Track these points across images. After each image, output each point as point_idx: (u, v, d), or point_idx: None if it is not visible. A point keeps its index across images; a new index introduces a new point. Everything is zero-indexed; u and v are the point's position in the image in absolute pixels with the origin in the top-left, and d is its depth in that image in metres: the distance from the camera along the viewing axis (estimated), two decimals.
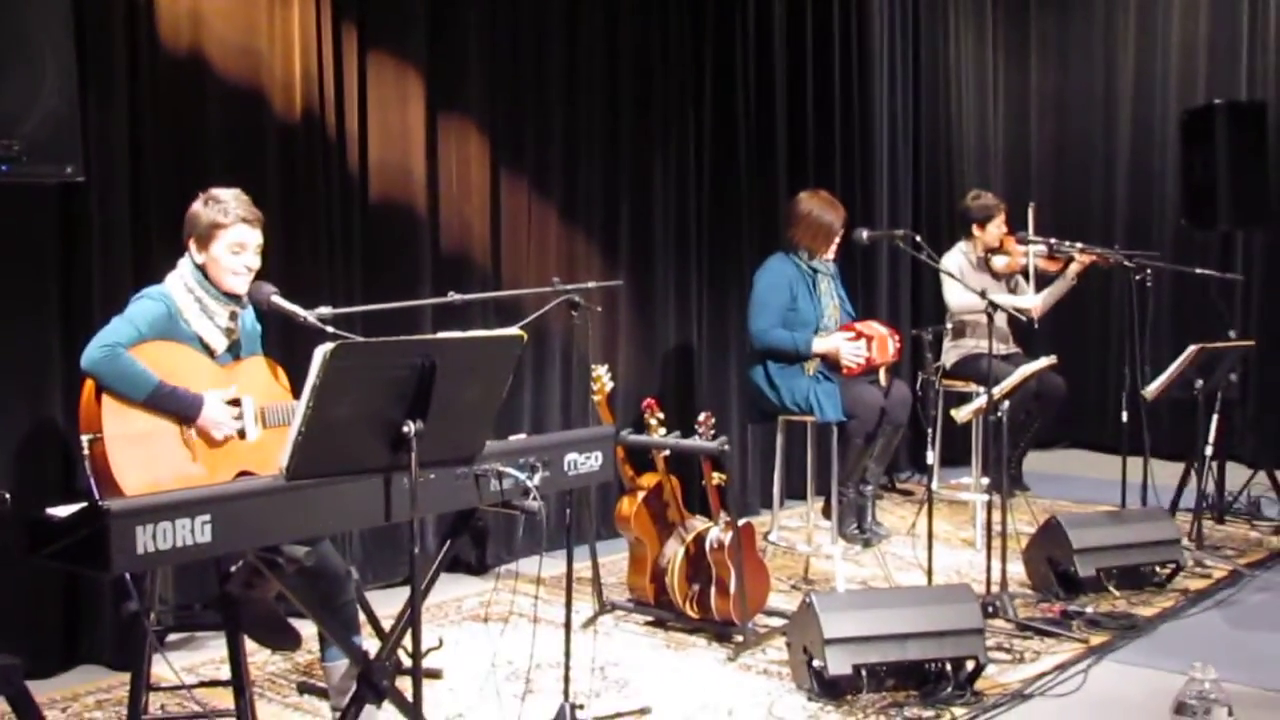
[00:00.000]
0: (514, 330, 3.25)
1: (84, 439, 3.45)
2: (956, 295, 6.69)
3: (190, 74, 4.91)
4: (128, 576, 3.32)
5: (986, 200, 6.99)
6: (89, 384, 3.46)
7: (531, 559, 5.33)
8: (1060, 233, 7.15)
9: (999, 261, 6.93)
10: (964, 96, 9.20)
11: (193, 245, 3.69)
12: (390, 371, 2.84)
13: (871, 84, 8.19)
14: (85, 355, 3.45)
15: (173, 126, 4.87)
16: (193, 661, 4.60)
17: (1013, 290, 7.06)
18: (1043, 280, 6.98)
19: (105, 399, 3.43)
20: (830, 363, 5.77)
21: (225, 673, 3.58)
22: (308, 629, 3.76)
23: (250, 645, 3.61)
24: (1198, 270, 6.92)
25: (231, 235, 3.66)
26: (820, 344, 5.75)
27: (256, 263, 3.73)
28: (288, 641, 3.57)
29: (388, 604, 4.57)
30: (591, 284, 4.87)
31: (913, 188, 8.64)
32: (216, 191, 3.73)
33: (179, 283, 3.68)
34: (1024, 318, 6.03)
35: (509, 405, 5.92)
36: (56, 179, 2.37)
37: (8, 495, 2.23)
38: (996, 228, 6.90)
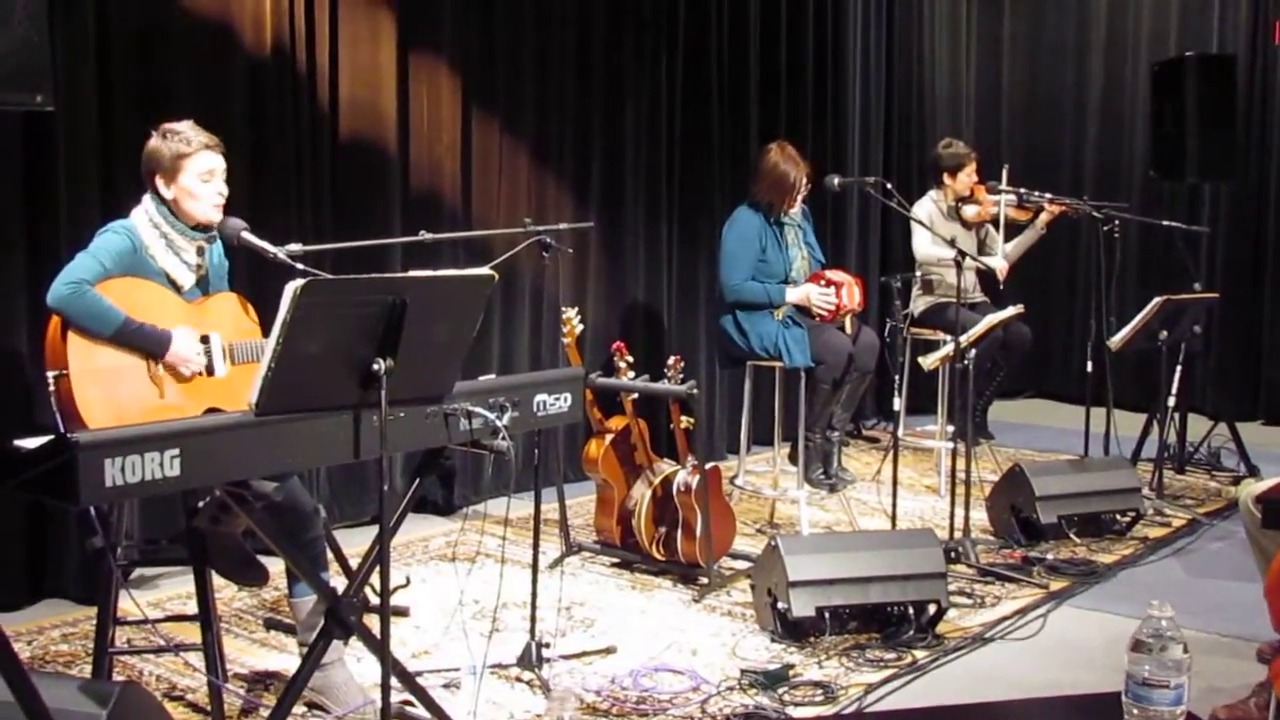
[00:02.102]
0: (485, 270, 3.24)
1: (50, 375, 3.42)
2: (924, 245, 6.71)
3: (160, 5, 4.85)
4: (93, 511, 3.32)
5: (958, 149, 7.00)
6: (55, 320, 3.43)
7: (499, 500, 5.36)
8: (1029, 181, 7.18)
9: (969, 210, 6.95)
10: (936, 44, 9.18)
11: (159, 181, 3.65)
12: (361, 309, 2.82)
13: (845, 30, 8.17)
14: (51, 292, 3.42)
15: (141, 58, 4.82)
16: (159, 596, 4.61)
17: (982, 239, 7.09)
18: (1012, 229, 7.01)
19: (71, 335, 3.40)
20: (804, 310, 5.78)
21: (192, 607, 3.58)
22: (275, 565, 3.76)
23: (218, 581, 3.61)
24: (1164, 222, 6.97)
25: (199, 163, 3.63)
26: (793, 293, 5.77)
27: (226, 190, 3.70)
28: (255, 577, 3.57)
29: (355, 542, 4.59)
30: (563, 225, 4.86)
31: (884, 135, 8.64)
32: (170, 125, 3.69)
33: (144, 218, 3.64)
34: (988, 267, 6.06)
35: (478, 346, 5.90)
36: (26, 107, 2.34)
37: None
38: (967, 176, 6.92)
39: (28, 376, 4.44)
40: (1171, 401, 6.49)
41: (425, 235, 4.36)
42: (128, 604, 3.81)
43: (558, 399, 3.47)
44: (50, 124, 4.43)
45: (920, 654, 4.17)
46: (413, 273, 3.60)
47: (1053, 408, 8.88)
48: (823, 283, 5.74)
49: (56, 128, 4.48)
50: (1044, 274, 8.88)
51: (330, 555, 3.92)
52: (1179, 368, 6.46)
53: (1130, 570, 5.16)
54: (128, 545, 3.87)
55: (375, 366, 2.84)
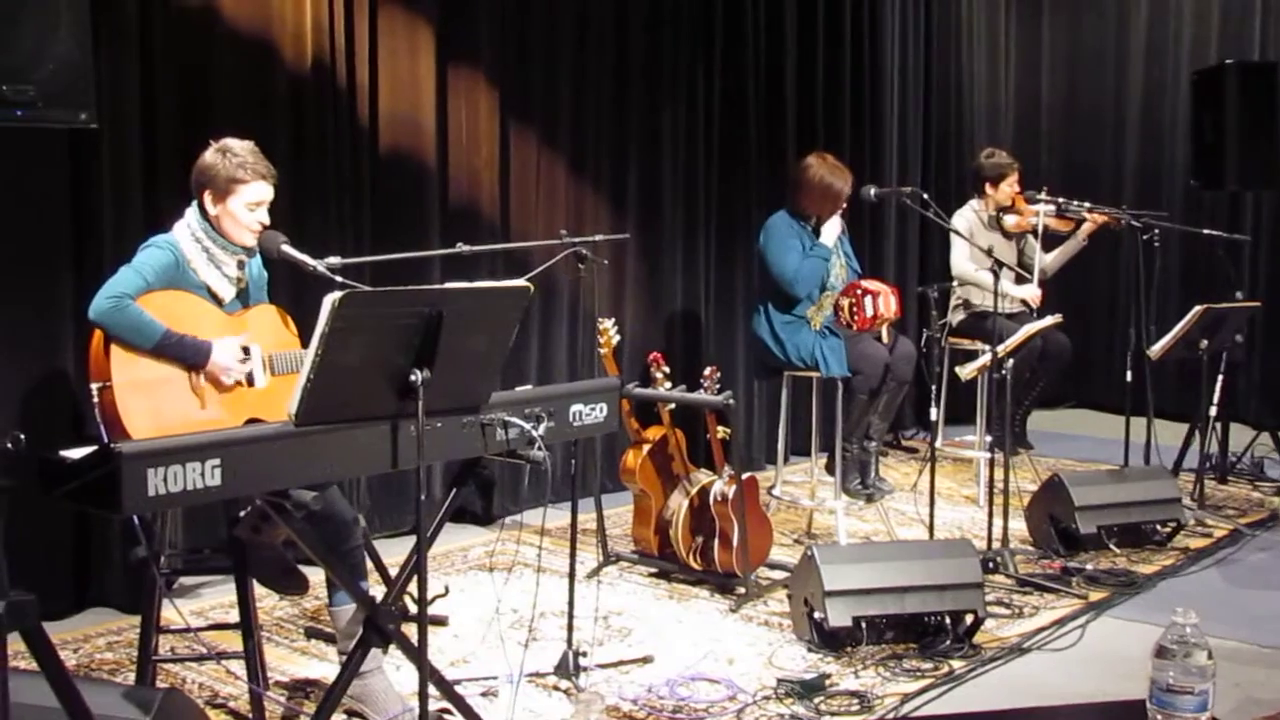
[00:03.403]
0: (521, 282, 3.27)
1: (93, 387, 3.49)
2: (961, 261, 6.69)
3: (201, 22, 4.92)
4: (136, 521, 3.37)
5: (1000, 159, 6.95)
6: (98, 333, 3.50)
7: (538, 510, 5.39)
8: (1069, 191, 7.14)
9: (1009, 220, 6.92)
10: (975, 54, 9.15)
11: (207, 197, 3.70)
12: (398, 320, 2.86)
13: (882, 39, 8.16)
14: (93, 306, 3.48)
15: (184, 75, 4.89)
16: (202, 605, 4.67)
17: (1022, 250, 7.06)
18: (1053, 240, 6.98)
19: (114, 348, 3.46)
20: (839, 315, 5.74)
21: (234, 616, 3.63)
22: (315, 575, 3.81)
23: (260, 589, 3.66)
24: (1205, 231, 6.93)
25: (250, 193, 3.68)
26: (827, 235, 5.74)
27: (267, 219, 3.75)
28: (295, 586, 3.62)
29: (394, 552, 4.62)
30: (599, 237, 4.88)
31: (922, 145, 8.62)
32: (230, 143, 3.72)
33: (186, 232, 3.70)
34: (1030, 275, 6.03)
35: (516, 357, 5.96)
36: (70, 125, 2.40)
37: (22, 436, 2.26)
38: (1009, 186, 6.87)
39: (74, 389, 4.52)
40: (1213, 411, 6.45)
41: (462, 247, 4.40)
42: (171, 613, 3.87)
43: (593, 409, 3.50)
44: (94, 141, 4.50)
45: (957, 664, 4.16)
46: (449, 285, 3.63)
47: (1094, 417, 8.83)
48: (858, 292, 5.71)
49: (101, 145, 4.55)
50: (1085, 283, 8.83)
51: (370, 564, 3.97)
52: (1220, 377, 6.42)
53: (1170, 581, 5.13)
54: (171, 554, 3.93)
55: (412, 377, 2.88)
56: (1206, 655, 1.94)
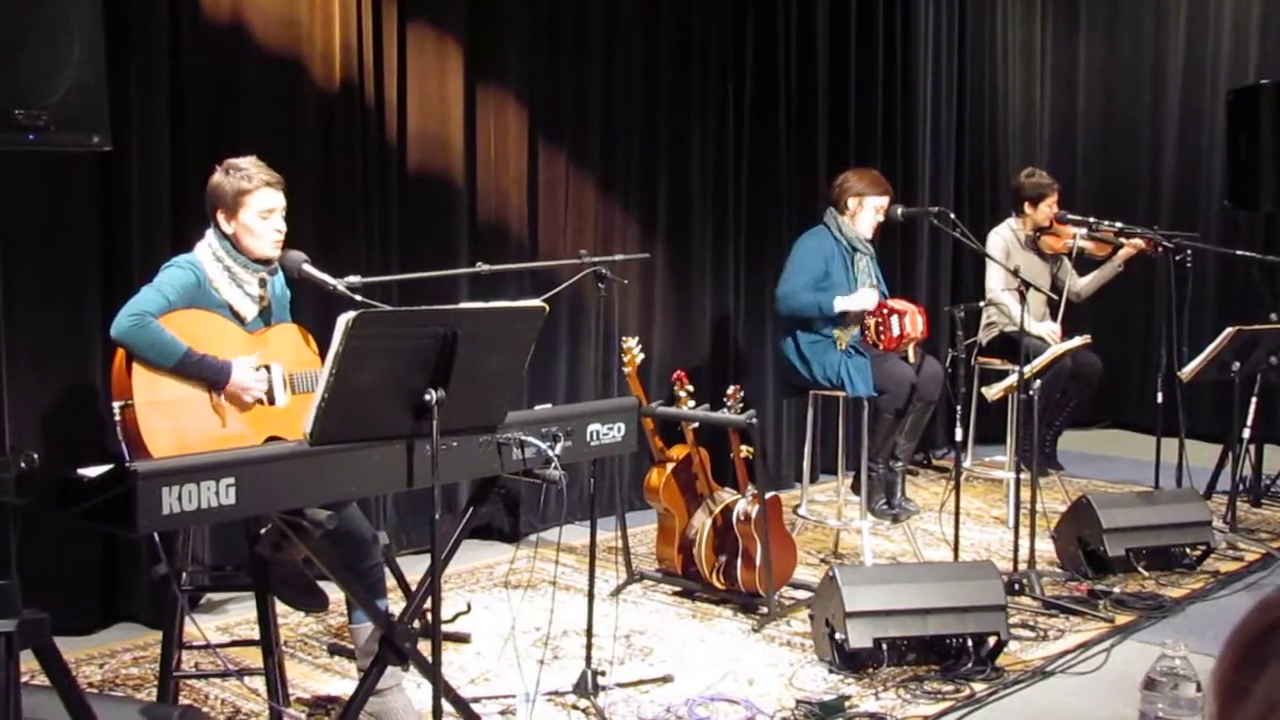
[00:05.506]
0: (536, 302, 3.29)
1: (115, 405, 3.52)
2: (997, 285, 6.66)
3: (231, 43, 4.97)
4: (157, 539, 3.41)
5: (1041, 179, 6.92)
6: (120, 352, 3.54)
7: (566, 527, 5.41)
8: (1104, 210, 7.09)
9: (1044, 240, 6.89)
10: (1010, 72, 9.10)
11: (220, 216, 3.75)
12: (412, 340, 2.89)
13: (916, 56, 8.14)
14: (115, 324, 3.52)
15: (213, 95, 4.94)
16: (228, 621, 4.71)
17: (1056, 273, 7.03)
18: (1090, 264, 6.94)
19: (136, 367, 3.50)
20: (866, 335, 5.73)
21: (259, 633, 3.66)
22: (336, 592, 3.83)
23: (284, 607, 3.68)
24: (1238, 252, 6.86)
25: (259, 200, 3.72)
26: (843, 302, 5.72)
27: (284, 227, 3.79)
28: (315, 603, 3.64)
29: (420, 568, 4.63)
30: (619, 256, 4.89)
31: (956, 163, 8.58)
32: (233, 160, 3.79)
33: (207, 251, 3.74)
34: (1059, 294, 5.99)
35: (544, 375, 5.98)
36: (84, 148, 2.42)
37: (35, 455, 2.30)
38: (1048, 207, 6.84)
39: (100, 407, 4.56)
40: (1246, 433, 6.38)
41: (482, 267, 4.43)
42: (194, 629, 3.90)
43: (611, 429, 3.51)
44: (124, 161, 4.56)
45: (979, 687, 4.14)
46: (464, 305, 3.66)
47: (1129, 438, 8.74)
48: (885, 311, 5.70)
49: (130, 164, 4.60)
50: (1118, 304, 8.75)
51: (392, 581, 3.99)
52: (1254, 399, 6.36)
53: (1200, 605, 5.07)
54: (194, 571, 3.96)
55: (427, 397, 2.90)
56: (1195, 688, 1.92)
